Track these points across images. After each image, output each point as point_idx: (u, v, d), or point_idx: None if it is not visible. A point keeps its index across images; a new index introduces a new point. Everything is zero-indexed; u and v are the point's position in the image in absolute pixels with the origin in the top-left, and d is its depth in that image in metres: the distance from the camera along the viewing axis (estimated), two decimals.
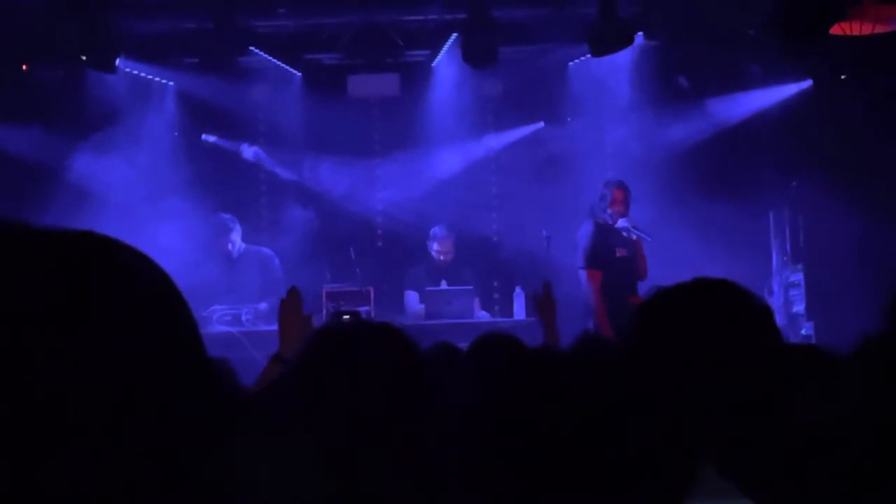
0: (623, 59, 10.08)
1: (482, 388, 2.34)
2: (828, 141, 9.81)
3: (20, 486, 0.91)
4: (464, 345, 4.06)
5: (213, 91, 10.51)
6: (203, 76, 10.32)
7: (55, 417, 0.92)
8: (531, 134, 10.93)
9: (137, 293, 1.01)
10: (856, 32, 8.37)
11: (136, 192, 10.04)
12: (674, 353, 1.89)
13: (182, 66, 10.48)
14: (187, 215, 9.79)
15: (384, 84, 10.69)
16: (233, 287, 9.28)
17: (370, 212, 11.02)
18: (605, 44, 9.52)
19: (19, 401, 0.91)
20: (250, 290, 9.30)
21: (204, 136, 10.87)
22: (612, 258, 8.79)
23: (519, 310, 9.16)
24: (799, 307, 10.02)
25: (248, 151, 10.92)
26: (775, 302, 10.13)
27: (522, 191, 10.60)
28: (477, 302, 9.42)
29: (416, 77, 10.72)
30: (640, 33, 9.90)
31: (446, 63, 10.61)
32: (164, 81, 10.68)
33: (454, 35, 10.15)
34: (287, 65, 10.57)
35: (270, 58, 10.40)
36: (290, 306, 4.09)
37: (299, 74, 10.72)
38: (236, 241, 9.57)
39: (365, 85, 10.70)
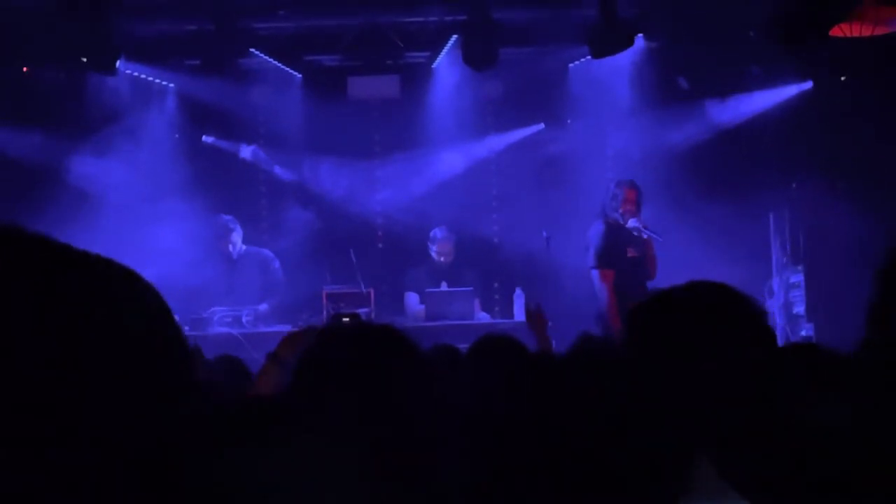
0: (623, 61, 10.08)
1: (482, 389, 2.34)
2: (828, 142, 9.81)
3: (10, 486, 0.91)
4: (464, 346, 4.06)
5: (214, 93, 10.52)
6: (203, 78, 10.33)
7: (30, 418, 0.92)
8: (531, 135, 10.92)
9: (121, 309, 1.01)
10: (856, 34, 8.36)
11: (136, 193, 10.04)
12: (667, 355, 1.90)
13: (182, 68, 10.48)
14: (187, 217, 9.79)
15: (384, 85, 10.69)
16: (233, 288, 9.29)
17: (370, 213, 11.02)
18: (605, 45, 9.53)
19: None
20: (251, 291, 9.31)
21: (204, 138, 10.87)
22: (622, 258, 8.81)
23: (519, 311, 9.16)
24: (799, 308, 10.02)
25: (246, 151, 10.92)
26: (776, 303, 10.13)
27: (522, 192, 10.61)
28: (477, 303, 9.42)
29: (416, 78, 10.72)
30: (641, 35, 9.90)
31: (446, 65, 10.62)
32: (164, 83, 10.68)
33: (454, 37, 10.15)
34: (287, 66, 10.58)
35: (271, 59, 10.40)
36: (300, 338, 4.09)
37: (299, 76, 10.73)
38: (237, 242, 9.57)
39: (365, 86, 10.70)
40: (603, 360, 2.10)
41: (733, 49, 9.98)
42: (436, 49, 10.51)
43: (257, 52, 10.27)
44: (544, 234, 9.00)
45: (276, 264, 9.62)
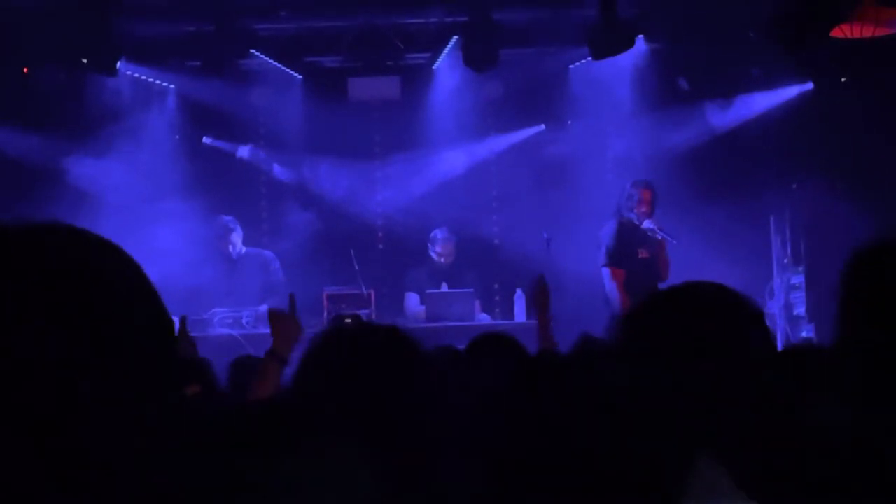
0: (624, 62, 10.08)
1: (479, 389, 2.34)
2: (828, 143, 9.81)
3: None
4: (465, 348, 4.06)
5: (214, 93, 10.52)
6: (204, 79, 10.33)
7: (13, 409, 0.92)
8: (532, 136, 10.92)
9: (104, 284, 1.01)
10: (856, 35, 8.36)
11: (136, 194, 10.03)
12: (665, 355, 1.90)
13: (183, 69, 10.48)
14: (188, 218, 9.79)
15: (385, 87, 10.69)
16: (233, 289, 9.28)
17: (371, 214, 11.02)
18: (605, 46, 9.52)
19: None
20: (251, 292, 9.30)
21: (205, 139, 10.87)
22: (633, 258, 8.85)
23: (520, 312, 9.16)
24: (800, 309, 10.02)
25: (244, 150, 10.92)
26: (776, 304, 10.12)
27: (523, 193, 10.60)
28: (477, 304, 9.42)
29: (416, 80, 10.72)
30: (641, 36, 9.90)
31: (447, 66, 10.62)
32: (165, 84, 10.68)
33: (455, 38, 10.15)
34: (288, 67, 10.58)
35: (271, 60, 10.40)
36: (281, 312, 4.08)
37: (300, 77, 10.73)
38: (237, 242, 9.57)
39: (365, 88, 10.70)
40: (601, 360, 2.10)
41: (734, 50, 9.98)
42: (436, 50, 10.51)
43: (258, 53, 10.27)
44: (544, 235, 9.01)
45: (277, 265, 9.62)
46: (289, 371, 2.20)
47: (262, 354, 4.01)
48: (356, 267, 9.20)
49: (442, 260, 9.71)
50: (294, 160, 10.96)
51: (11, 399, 0.93)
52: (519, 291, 9.24)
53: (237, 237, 9.58)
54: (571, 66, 10.65)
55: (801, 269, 10.09)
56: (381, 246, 11.09)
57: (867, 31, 8.39)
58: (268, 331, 3.96)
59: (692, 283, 2.08)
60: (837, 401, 1.88)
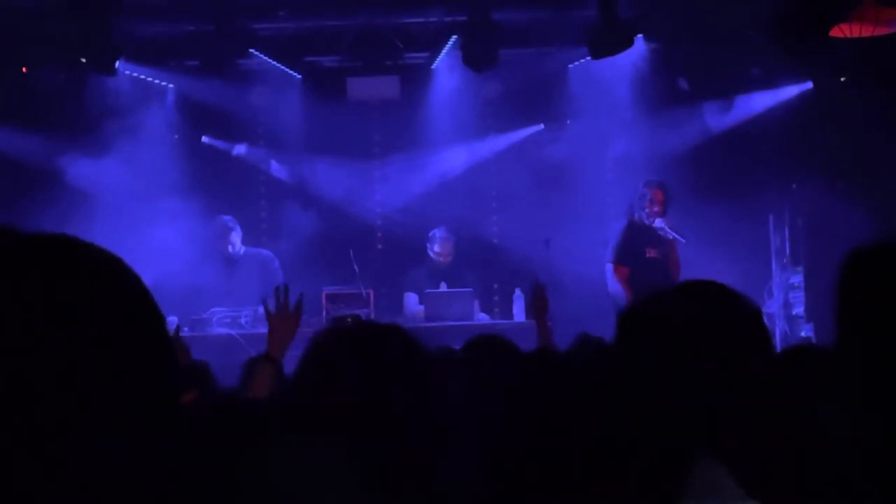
0: (623, 62, 10.08)
1: (479, 388, 2.34)
2: (828, 143, 9.81)
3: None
4: None
5: (214, 93, 10.52)
6: (203, 78, 10.33)
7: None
8: (531, 136, 10.92)
9: (101, 294, 1.02)
10: (856, 34, 8.36)
11: (135, 194, 10.03)
12: (662, 355, 1.89)
13: (182, 69, 10.48)
14: (187, 217, 9.79)
15: (384, 86, 10.69)
16: (232, 289, 9.28)
17: (370, 214, 11.03)
18: (605, 46, 9.53)
19: None
20: (250, 292, 9.29)
21: (204, 139, 10.87)
22: (640, 258, 8.91)
23: (519, 312, 9.16)
24: (799, 309, 10.02)
25: (240, 148, 10.92)
26: (775, 304, 10.13)
27: (522, 193, 10.60)
28: (476, 304, 9.41)
29: (415, 79, 10.72)
30: (640, 35, 9.90)
31: (446, 65, 10.62)
32: (164, 84, 10.68)
33: (454, 37, 10.15)
34: (287, 67, 10.58)
35: (270, 60, 10.40)
36: (282, 315, 4.09)
37: (299, 77, 10.73)
38: (236, 242, 9.57)
39: (365, 87, 10.70)
40: (598, 360, 2.10)
41: (733, 50, 9.98)
42: (435, 50, 10.51)
43: (257, 53, 10.26)
44: (544, 235, 9.01)
45: (276, 265, 9.61)
46: (289, 370, 2.21)
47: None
48: (355, 266, 9.20)
49: (441, 259, 9.71)
50: (293, 160, 10.96)
51: (10, 403, 0.93)
52: (518, 291, 9.24)
53: (236, 237, 9.58)
54: (571, 66, 10.65)
55: (800, 268, 10.09)
56: (380, 246, 11.09)
57: (867, 31, 8.39)
58: (267, 330, 3.98)
59: (691, 281, 2.08)
60: (838, 401, 1.88)
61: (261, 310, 9.09)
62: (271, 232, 10.75)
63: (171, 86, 10.71)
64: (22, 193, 9.62)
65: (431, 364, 2.12)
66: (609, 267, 8.99)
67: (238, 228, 9.60)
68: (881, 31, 8.47)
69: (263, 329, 8.43)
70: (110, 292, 1.02)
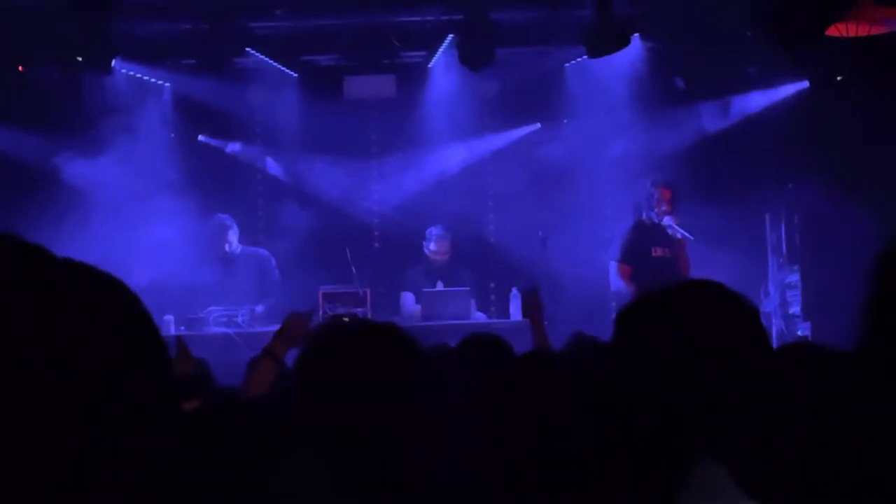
0: (620, 61, 10.07)
1: (477, 387, 2.34)
2: (824, 142, 9.81)
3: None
4: None
5: (210, 92, 10.51)
6: (200, 77, 10.33)
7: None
8: (528, 135, 10.92)
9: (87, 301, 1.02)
10: (852, 34, 8.37)
11: (132, 193, 10.02)
12: (659, 354, 1.89)
13: (179, 68, 10.47)
14: (183, 216, 9.78)
15: (381, 85, 10.69)
16: (229, 288, 9.27)
17: (366, 213, 11.02)
18: (601, 45, 9.52)
19: None
20: (247, 291, 9.29)
21: (200, 138, 10.86)
22: (647, 257, 8.98)
23: (515, 311, 9.16)
24: (796, 308, 10.03)
25: (234, 146, 10.92)
26: (772, 303, 10.14)
27: (519, 192, 10.59)
28: (473, 303, 9.41)
29: (412, 78, 10.71)
30: (637, 35, 9.90)
31: (443, 64, 10.61)
32: (160, 82, 10.67)
33: (451, 36, 10.15)
34: (284, 66, 10.57)
35: (267, 59, 10.39)
36: (303, 322, 4.09)
37: (296, 76, 10.72)
38: (233, 241, 9.56)
39: (361, 86, 10.69)
40: (594, 360, 2.10)
41: (730, 49, 9.98)
42: (432, 49, 10.50)
43: (254, 52, 10.26)
44: (540, 234, 9.02)
45: (273, 264, 9.61)
46: (288, 368, 2.21)
47: (258, 353, 4.01)
48: (352, 265, 9.20)
49: (437, 258, 9.71)
50: (290, 158, 10.95)
51: (10, 406, 0.93)
52: (514, 290, 9.24)
53: (233, 235, 9.57)
54: (567, 65, 10.65)
55: (796, 267, 10.10)
56: (376, 244, 11.08)
57: (863, 30, 8.40)
58: (263, 329, 3.98)
59: (688, 280, 2.08)
60: (848, 400, 1.87)
61: (258, 307, 9.12)
62: (268, 231, 10.74)
63: (167, 84, 10.70)
64: (19, 192, 9.61)
65: (428, 363, 2.12)
66: (613, 264, 9.07)
67: (235, 227, 9.60)
68: (877, 30, 8.48)
69: (260, 328, 8.51)
70: (101, 302, 1.02)
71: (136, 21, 9.70)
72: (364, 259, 9.92)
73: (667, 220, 9.02)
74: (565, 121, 10.79)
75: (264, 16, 10.12)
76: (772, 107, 10.35)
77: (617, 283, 9.01)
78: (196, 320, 8.82)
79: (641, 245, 9.05)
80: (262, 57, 10.35)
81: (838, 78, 10.03)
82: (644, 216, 9.15)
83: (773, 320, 9.95)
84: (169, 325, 8.56)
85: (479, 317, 9.40)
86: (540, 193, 10.44)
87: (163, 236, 9.41)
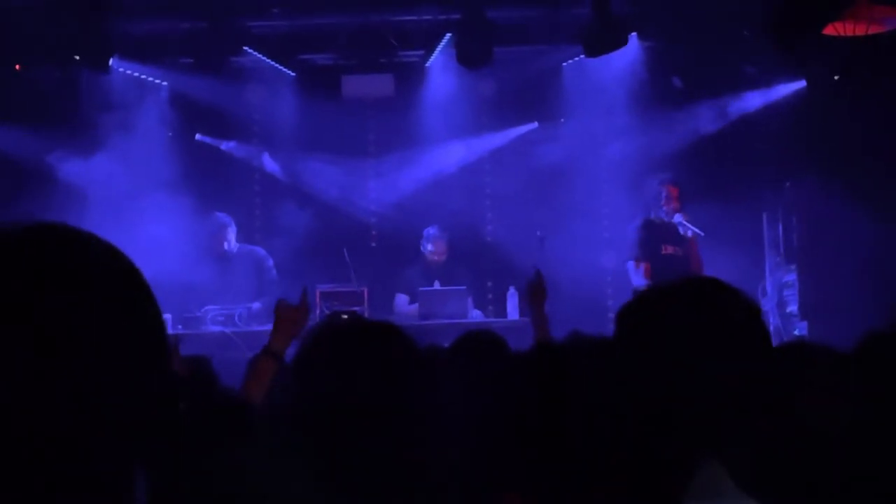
0: (617, 60, 10.07)
1: (474, 386, 2.33)
2: (821, 141, 9.81)
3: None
4: None
5: (207, 91, 10.50)
6: (197, 76, 10.32)
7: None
8: (525, 134, 10.92)
9: (97, 280, 1.02)
10: (849, 33, 8.36)
11: (129, 191, 10.01)
12: (660, 352, 1.89)
13: (176, 66, 10.46)
14: (180, 215, 9.77)
15: (378, 84, 10.68)
16: (226, 287, 9.26)
17: (364, 212, 11.02)
18: (599, 44, 9.53)
19: None
20: (244, 289, 9.29)
21: (198, 136, 10.85)
22: (657, 255, 8.97)
23: (513, 310, 9.17)
24: (793, 307, 10.03)
25: (228, 144, 10.91)
26: (769, 302, 10.14)
27: (516, 191, 10.60)
28: (470, 300, 9.41)
29: (410, 77, 10.71)
30: (634, 34, 9.90)
31: (440, 63, 10.60)
32: (157, 81, 10.66)
33: (448, 35, 10.14)
34: (281, 65, 10.56)
35: (264, 58, 10.38)
36: (295, 308, 4.08)
37: (293, 75, 10.71)
38: (231, 239, 9.57)
39: (359, 85, 10.69)
40: (594, 357, 2.10)
41: (727, 48, 9.98)
42: (430, 48, 10.49)
43: (251, 51, 10.25)
44: (538, 233, 9.02)
45: (270, 262, 9.61)
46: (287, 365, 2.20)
47: (255, 352, 3.99)
48: (349, 264, 9.20)
49: (435, 258, 9.71)
50: (287, 157, 10.95)
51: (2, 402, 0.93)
52: (512, 289, 9.25)
53: (232, 234, 9.58)
54: (565, 64, 10.64)
55: (793, 266, 10.10)
56: (374, 243, 11.08)
57: (860, 29, 8.39)
58: (260, 328, 3.97)
59: (688, 278, 2.08)
60: (853, 401, 1.88)
61: (255, 306, 9.11)
62: (265, 230, 10.74)
63: (164, 83, 10.69)
64: (16, 191, 9.60)
65: (425, 361, 2.12)
66: (630, 264, 9.07)
67: (233, 225, 9.60)
68: (874, 29, 8.47)
69: (257, 327, 8.51)
70: (113, 282, 1.02)
71: (133, 20, 9.70)
72: (361, 258, 9.91)
73: (677, 218, 9.03)
74: (563, 120, 10.78)
75: (262, 15, 10.12)
76: (769, 106, 10.34)
77: (638, 282, 9.00)
78: (193, 319, 8.82)
79: (651, 243, 9.05)
80: (260, 56, 10.34)
81: (835, 77, 10.03)
82: (653, 215, 9.14)
83: (770, 319, 9.95)
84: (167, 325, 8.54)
85: (475, 315, 9.40)
86: (537, 192, 10.44)
87: (160, 235, 9.40)
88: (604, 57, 9.69)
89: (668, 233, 9.07)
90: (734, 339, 1.91)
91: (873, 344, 2.02)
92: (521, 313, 8.85)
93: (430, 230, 9.77)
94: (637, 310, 2.00)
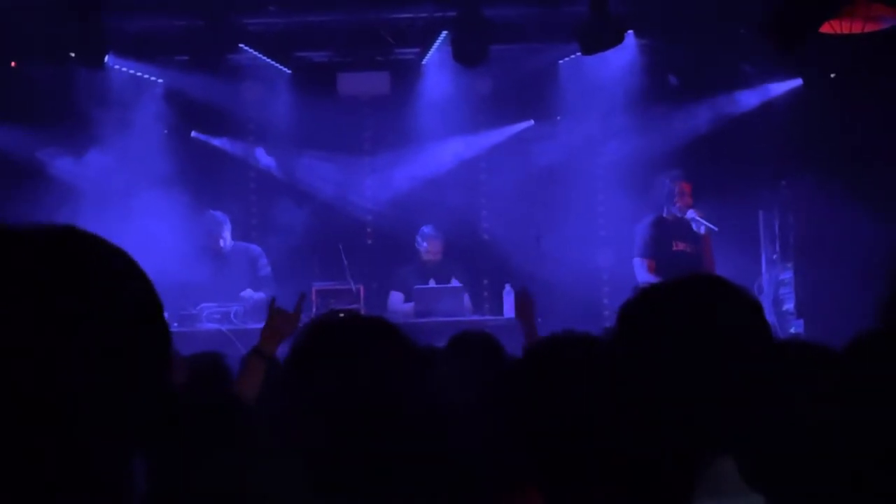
0: (613, 58, 10.07)
1: (474, 386, 2.33)
2: (818, 140, 9.82)
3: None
4: None
5: (203, 88, 10.49)
6: (193, 74, 10.30)
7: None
8: (521, 132, 10.92)
9: (107, 286, 1.02)
10: (846, 31, 8.37)
11: (124, 188, 10.01)
12: (661, 351, 1.88)
13: (172, 64, 10.45)
14: (176, 212, 9.76)
15: (374, 82, 10.68)
16: (222, 284, 9.26)
17: (360, 210, 11.02)
18: (595, 42, 9.52)
19: None
20: (240, 286, 9.29)
21: (193, 134, 10.84)
22: (667, 252, 8.98)
23: (508, 308, 9.16)
24: (789, 305, 10.04)
25: (222, 140, 10.91)
26: (765, 300, 10.14)
27: (512, 189, 10.60)
28: (467, 297, 9.42)
29: (406, 75, 10.70)
30: (631, 31, 9.90)
31: (436, 61, 10.60)
32: (153, 79, 10.64)
33: (444, 33, 10.14)
34: (277, 62, 10.55)
35: (260, 55, 10.38)
36: (288, 314, 4.08)
37: (289, 72, 10.71)
38: (227, 237, 9.57)
39: (355, 83, 10.68)
40: (592, 357, 2.09)
41: (724, 47, 9.98)
42: (426, 45, 10.49)
43: (247, 48, 10.24)
44: (534, 231, 9.02)
45: (265, 260, 9.61)
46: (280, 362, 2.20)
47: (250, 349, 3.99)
48: (345, 262, 9.20)
49: (430, 256, 9.71)
50: (283, 155, 10.94)
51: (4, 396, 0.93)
52: (508, 287, 9.24)
53: (227, 232, 9.58)
54: (561, 62, 10.64)
55: (789, 264, 10.11)
56: (369, 241, 11.08)
57: (857, 28, 8.39)
58: (255, 326, 3.97)
59: (689, 275, 2.07)
60: (849, 400, 1.87)
61: (258, 296, 9.10)
62: (261, 227, 10.74)
63: (160, 81, 10.67)
64: (10, 188, 9.59)
65: (421, 359, 2.12)
66: (637, 261, 9.07)
67: (229, 223, 9.60)
68: (871, 27, 8.47)
69: (253, 324, 8.50)
70: (112, 284, 1.02)
71: (128, 17, 9.69)
72: (357, 256, 9.91)
73: (690, 214, 9.03)
74: (559, 118, 10.78)
75: (258, 12, 10.11)
76: (765, 104, 10.35)
77: (645, 279, 8.99)
78: (189, 317, 8.81)
79: (661, 240, 9.04)
80: (256, 53, 10.34)
81: (832, 76, 10.03)
82: (665, 212, 9.14)
83: (767, 318, 9.95)
84: None
85: (467, 305, 9.40)
86: (533, 190, 10.45)
87: (156, 232, 9.39)
88: (600, 55, 9.68)
89: (680, 230, 9.06)
90: (736, 335, 1.91)
91: (863, 341, 2.01)
92: (517, 316, 8.84)
93: (426, 229, 9.77)
94: (639, 307, 2.00)
